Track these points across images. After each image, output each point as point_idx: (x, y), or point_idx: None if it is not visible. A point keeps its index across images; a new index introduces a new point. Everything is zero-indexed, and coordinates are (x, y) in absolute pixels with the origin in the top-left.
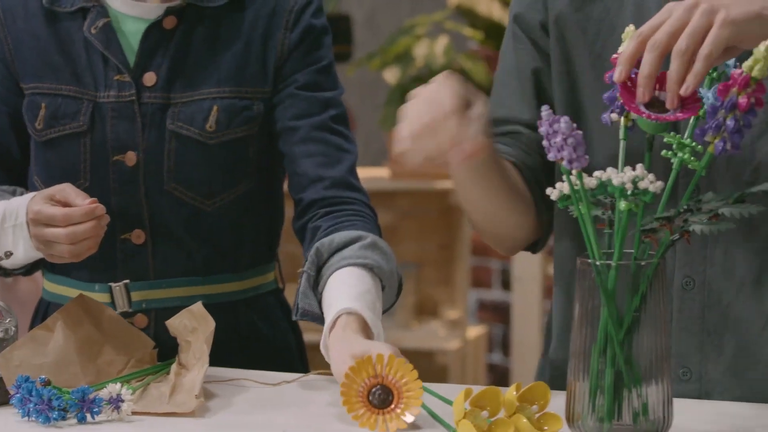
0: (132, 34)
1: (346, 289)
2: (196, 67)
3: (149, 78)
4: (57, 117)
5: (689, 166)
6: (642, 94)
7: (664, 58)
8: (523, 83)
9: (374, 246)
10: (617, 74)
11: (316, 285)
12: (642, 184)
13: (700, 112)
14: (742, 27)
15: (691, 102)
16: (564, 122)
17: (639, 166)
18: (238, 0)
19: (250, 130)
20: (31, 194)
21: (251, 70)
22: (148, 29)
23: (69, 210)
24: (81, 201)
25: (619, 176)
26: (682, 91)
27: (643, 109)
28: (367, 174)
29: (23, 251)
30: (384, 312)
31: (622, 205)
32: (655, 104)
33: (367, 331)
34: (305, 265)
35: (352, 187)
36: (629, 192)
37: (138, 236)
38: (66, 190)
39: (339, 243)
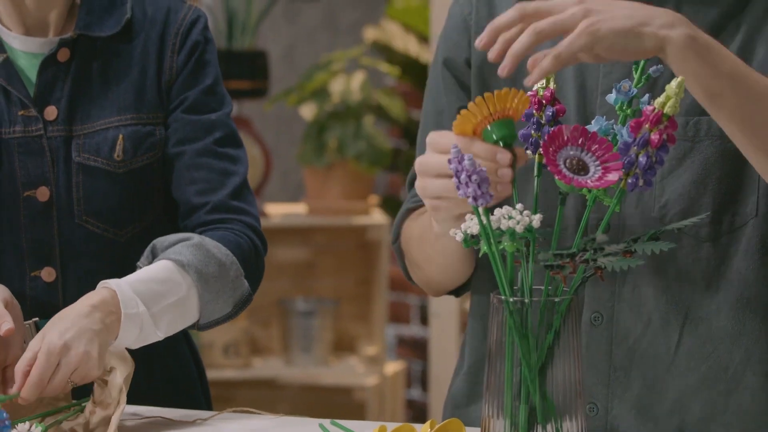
0: (28, 69)
1: (133, 275)
2: (95, 98)
3: (50, 112)
4: None
5: (604, 202)
6: (502, 68)
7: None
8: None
9: (198, 246)
10: (501, 69)
11: None
12: (509, 223)
13: (622, 180)
14: (607, 40)
15: (612, 167)
16: (468, 159)
17: (520, 206)
18: (128, 28)
19: (155, 156)
20: None
21: (149, 96)
22: (44, 63)
23: None
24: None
25: (496, 216)
26: (525, 82)
27: (565, 171)
28: (284, 210)
29: None
30: (214, 323)
31: (508, 245)
32: (576, 165)
33: (114, 303)
34: (140, 260)
35: (232, 209)
36: (504, 230)
37: (49, 274)
38: None
39: (171, 241)
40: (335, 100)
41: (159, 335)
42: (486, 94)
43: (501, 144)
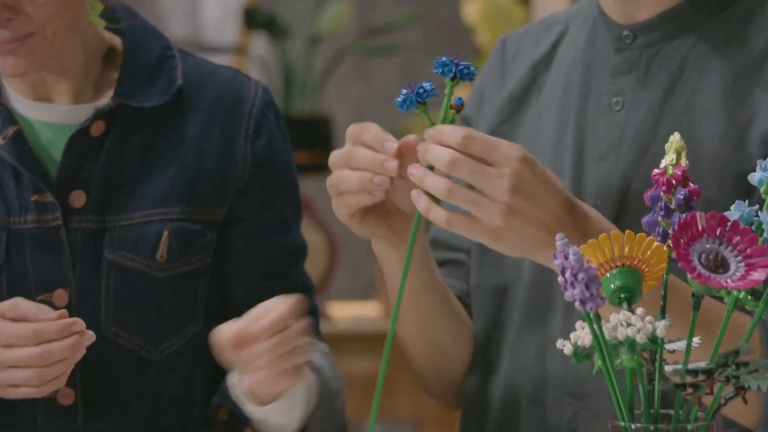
0: (50, 143)
1: None
2: (135, 182)
3: (77, 197)
4: None
5: (747, 307)
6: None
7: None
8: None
9: (326, 355)
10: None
11: None
12: (628, 332)
13: None
14: (502, 248)
15: (758, 264)
16: (573, 254)
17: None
18: (179, 99)
19: (202, 261)
20: None
21: (205, 188)
22: (73, 138)
23: (41, 325)
24: (45, 315)
25: (612, 323)
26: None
27: (701, 269)
28: (353, 311)
29: None
30: None
31: (627, 359)
32: (714, 261)
33: None
34: None
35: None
36: (622, 340)
37: (66, 396)
38: (19, 305)
39: None
40: None
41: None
42: (614, 233)
43: (619, 298)
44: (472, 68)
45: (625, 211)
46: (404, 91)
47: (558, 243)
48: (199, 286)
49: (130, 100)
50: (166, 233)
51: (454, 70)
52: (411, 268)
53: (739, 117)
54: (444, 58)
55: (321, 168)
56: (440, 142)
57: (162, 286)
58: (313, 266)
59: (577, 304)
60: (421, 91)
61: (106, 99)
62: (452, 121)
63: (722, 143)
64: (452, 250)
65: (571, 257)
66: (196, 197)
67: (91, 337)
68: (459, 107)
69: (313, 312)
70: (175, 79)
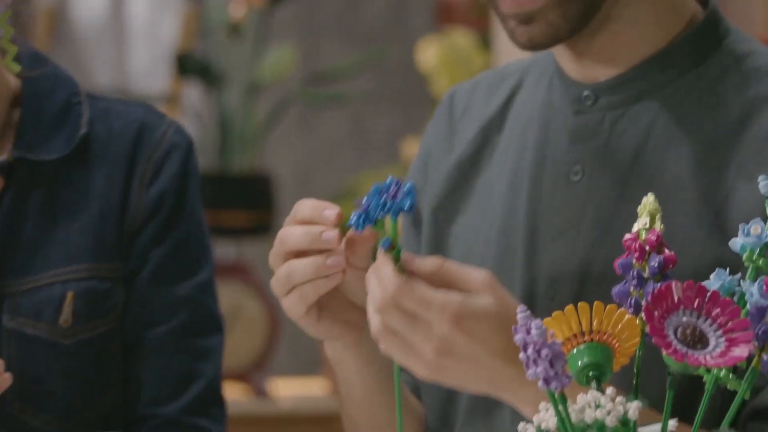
0: None
1: None
2: (36, 242)
3: None
4: None
5: (728, 386)
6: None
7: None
8: None
9: None
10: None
11: None
12: (597, 414)
13: (755, 357)
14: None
15: (740, 339)
16: (535, 328)
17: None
18: (83, 148)
19: (112, 323)
20: None
21: (110, 241)
22: None
23: None
24: None
25: (579, 405)
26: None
27: (676, 344)
28: (296, 389)
29: None
30: None
31: None
32: (691, 336)
33: None
34: None
35: (185, 428)
36: (590, 423)
37: None
38: None
39: None
40: None
41: None
42: (581, 305)
43: (587, 376)
44: (407, 202)
45: (584, 296)
46: (363, 204)
47: (519, 316)
48: (111, 350)
49: (29, 153)
50: (70, 294)
51: (386, 204)
52: (369, 370)
53: (714, 193)
54: (382, 183)
55: (261, 230)
56: (378, 282)
57: (69, 354)
58: (252, 338)
59: (540, 383)
60: (363, 217)
61: (6, 153)
62: (398, 254)
63: (696, 222)
64: None
65: (533, 332)
66: (103, 253)
67: (8, 380)
68: (387, 250)
69: (207, 386)
70: (79, 128)
